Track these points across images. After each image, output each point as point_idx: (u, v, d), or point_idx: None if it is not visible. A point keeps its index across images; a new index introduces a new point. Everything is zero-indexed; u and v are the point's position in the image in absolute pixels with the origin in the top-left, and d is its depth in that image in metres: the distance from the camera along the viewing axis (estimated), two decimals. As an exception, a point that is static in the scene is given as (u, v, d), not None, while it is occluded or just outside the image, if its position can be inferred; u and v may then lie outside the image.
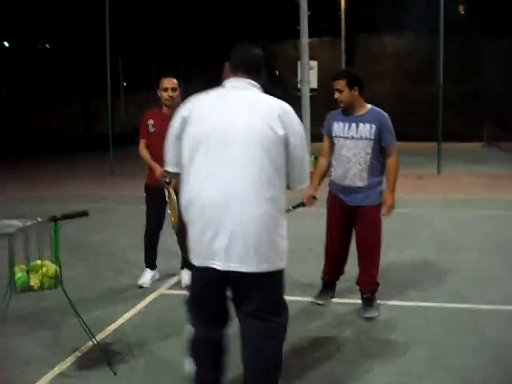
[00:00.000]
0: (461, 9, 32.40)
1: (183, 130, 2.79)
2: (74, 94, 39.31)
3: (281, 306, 2.85)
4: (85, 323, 3.61)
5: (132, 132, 31.22)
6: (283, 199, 2.77)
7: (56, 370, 3.65)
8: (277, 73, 29.90)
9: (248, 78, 2.83)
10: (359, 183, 4.40)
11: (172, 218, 4.69)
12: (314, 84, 16.05)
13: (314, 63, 16.04)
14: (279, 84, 25.66)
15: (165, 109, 5.18)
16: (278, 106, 2.75)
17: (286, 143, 2.70)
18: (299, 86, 15.94)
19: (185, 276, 5.16)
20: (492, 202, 10.56)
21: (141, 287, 5.35)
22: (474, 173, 15.53)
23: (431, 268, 5.96)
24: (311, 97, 15.67)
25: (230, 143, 2.66)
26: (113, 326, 4.41)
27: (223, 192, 2.63)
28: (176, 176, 2.96)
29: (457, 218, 8.91)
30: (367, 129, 4.34)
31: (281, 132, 2.67)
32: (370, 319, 4.48)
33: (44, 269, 3.46)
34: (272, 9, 31.47)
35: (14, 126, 35.35)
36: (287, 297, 2.89)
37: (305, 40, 15.63)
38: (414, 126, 26.62)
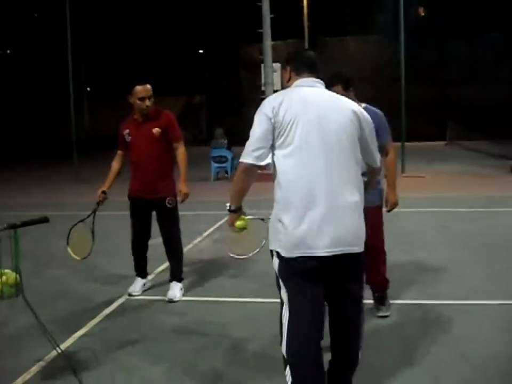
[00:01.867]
0: (421, 11, 32.94)
1: (275, 129, 2.83)
2: (37, 101, 38.73)
3: None
4: (48, 332, 3.54)
5: (96, 138, 31.01)
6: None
7: (19, 381, 3.58)
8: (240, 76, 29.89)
9: (314, 76, 3.03)
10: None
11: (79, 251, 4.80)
12: (277, 86, 16.09)
13: (277, 66, 16.10)
14: (244, 87, 25.70)
15: (138, 117, 5.05)
16: (349, 101, 3.02)
17: (361, 134, 2.94)
18: (263, 88, 15.98)
19: (176, 290, 5.09)
20: (455, 199, 10.75)
21: (130, 295, 5.25)
22: (437, 171, 15.77)
23: (401, 267, 6.02)
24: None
25: (327, 138, 2.81)
26: (78, 333, 4.35)
27: (325, 183, 2.77)
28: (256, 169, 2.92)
29: (422, 216, 9.04)
30: None
31: (357, 124, 2.91)
32: (383, 317, 4.53)
33: (4, 278, 3.38)
34: (236, 13, 31.51)
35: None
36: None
37: (268, 42, 15.69)
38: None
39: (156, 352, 4.01)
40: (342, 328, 2.97)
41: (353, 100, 4.34)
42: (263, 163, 2.86)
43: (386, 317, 4.52)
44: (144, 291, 5.35)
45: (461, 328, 4.29)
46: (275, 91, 15.73)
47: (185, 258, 5.35)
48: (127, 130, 5.10)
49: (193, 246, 7.28)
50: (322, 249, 2.75)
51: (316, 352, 2.85)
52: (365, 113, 3.01)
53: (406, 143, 16.24)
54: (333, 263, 2.79)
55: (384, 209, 4.60)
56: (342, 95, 4.27)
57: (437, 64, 29.66)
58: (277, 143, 2.84)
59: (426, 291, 5.18)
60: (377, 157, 3.13)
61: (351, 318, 2.97)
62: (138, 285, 5.34)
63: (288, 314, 2.86)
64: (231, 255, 3.68)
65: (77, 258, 4.81)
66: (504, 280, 5.49)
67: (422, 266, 6.04)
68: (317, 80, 3.03)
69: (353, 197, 2.84)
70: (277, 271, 2.91)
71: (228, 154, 14.81)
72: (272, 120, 2.82)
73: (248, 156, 2.86)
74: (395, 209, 4.70)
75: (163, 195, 5.00)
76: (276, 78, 15.96)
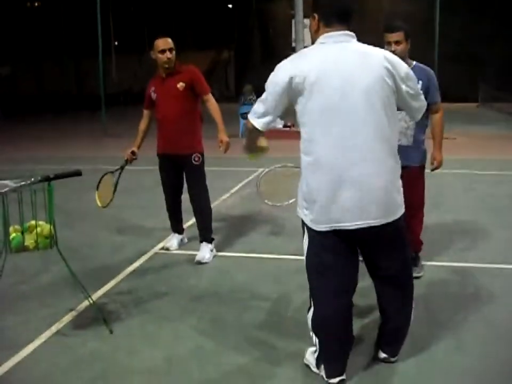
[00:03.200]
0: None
1: (291, 91, 2.69)
2: (65, 54, 38.77)
3: None
4: (80, 283, 3.62)
5: (124, 93, 31.02)
6: None
7: (53, 329, 3.67)
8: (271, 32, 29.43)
9: (344, 28, 2.73)
10: (404, 142, 4.26)
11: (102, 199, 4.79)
12: (308, 42, 15.83)
13: (308, 22, 15.79)
14: (273, 43, 25.32)
15: (162, 72, 4.96)
16: (381, 55, 2.73)
17: (397, 89, 2.74)
18: (293, 44, 15.74)
19: (206, 251, 5.07)
20: (484, 162, 10.59)
21: (167, 249, 5.30)
22: (468, 133, 15.50)
23: (429, 229, 5.98)
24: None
25: (352, 105, 2.64)
26: (108, 286, 4.43)
27: (353, 153, 2.66)
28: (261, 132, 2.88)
29: (451, 178, 8.94)
30: None
31: (392, 81, 2.69)
32: (416, 278, 4.52)
33: (39, 229, 3.45)
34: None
35: (2, 86, 34.87)
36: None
37: (299, -3, 15.37)
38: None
39: (185, 306, 4.07)
40: (388, 297, 3.02)
41: (406, 53, 4.28)
42: (264, 129, 2.82)
43: (419, 277, 4.48)
44: (181, 245, 5.41)
45: (487, 292, 4.26)
46: (305, 47, 15.48)
47: (213, 214, 5.36)
48: (153, 88, 5.03)
49: (220, 202, 7.31)
50: (350, 222, 2.68)
51: (342, 324, 2.89)
52: (401, 65, 2.77)
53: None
54: (365, 235, 2.74)
55: (427, 170, 4.53)
56: (401, 43, 4.20)
57: (471, 25, 28.85)
58: (298, 108, 2.72)
59: (454, 253, 5.15)
60: (418, 112, 2.95)
61: (397, 286, 2.98)
62: (175, 240, 5.38)
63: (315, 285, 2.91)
64: (267, 202, 3.66)
65: (99, 205, 4.84)
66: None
67: (449, 228, 6.00)
68: (348, 33, 2.72)
69: (386, 163, 2.71)
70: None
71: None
72: (288, 86, 2.66)
73: (252, 117, 2.82)
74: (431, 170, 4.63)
75: (189, 152, 4.96)
76: (307, 34, 15.67)
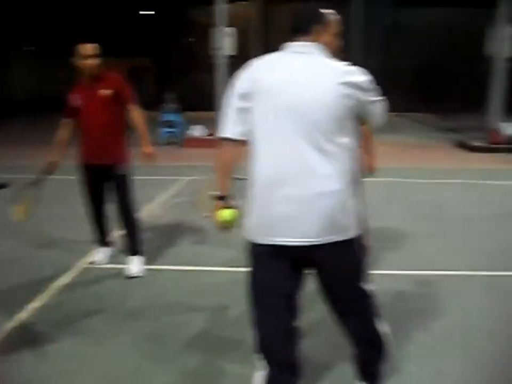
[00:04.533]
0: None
1: (247, 99, 2.56)
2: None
3: None
4: None
5: (38, 99, 29.87)
6: None
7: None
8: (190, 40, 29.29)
9: (306, 39, 2.58)
10: None
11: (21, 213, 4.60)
12: (229, 51, 15.81)
13: (229, 30, 15.79)
14: (192, 51, 25.21)
15: (85, 79, 4.75)
16: (343, 71, 2.50)
17: (359, 104, 2.53)
18: (214, 53, 15.68)
19: (135, 265, 4.91)
20: (406, 170, 10.95)
21: (94, 263, 5.12)
22: (386, 142, 15.97)
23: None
24: (229, 64, 15.44)
25: (299, 120, 2.48)
26: (36, 304, 4.21)
27: (294, 168, 2.51)
28: (235, 144, 2.65)
29: (372, 186, 9.13)
30: None
31: (347, 98, 2.47)
32: None
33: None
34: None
35: None
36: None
37: (221, 5, 15.35)
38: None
39: (119, 324, 3.92)
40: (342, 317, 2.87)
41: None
42: (238, 138, 2.61)
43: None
44: (109, 259, 5.21)
45: (421, 300, 4.38)
46: (227, 57, 15.46)
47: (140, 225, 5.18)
48: (76, 95, 4.79)
49: (146, 212, 7.12)
50: (283, 237, 2.55)
51: (283, 350, 2.73)
52: (361, 76, 2.53)
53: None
54: (304, 253, 2.59)
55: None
56: None
57: (386, 34, 29.78)
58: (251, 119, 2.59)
59: (383, 262, 5.26)
60: (382, 116, 2.73)
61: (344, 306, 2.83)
62: (102, 254, 5.19)
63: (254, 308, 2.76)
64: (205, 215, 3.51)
65: (19, 218, 4.59)
66: (461, 251, 5.64)
67: (376, 237, 6.11)
68: (313, 44, 2.56)
69: (329, 185, 2.52)
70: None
71: (178, 119, 14.57)
72: (242, 96, 2.57)
73: (222, 130, 2.65)
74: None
75: (115, 162, 4.79)
76: (228, 42, 15.68)
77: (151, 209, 7.35)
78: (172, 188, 8.53)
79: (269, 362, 2.74)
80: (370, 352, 2.95)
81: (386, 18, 28.60)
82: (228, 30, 15.77)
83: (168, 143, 14.53)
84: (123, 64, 32.39)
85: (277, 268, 2.66)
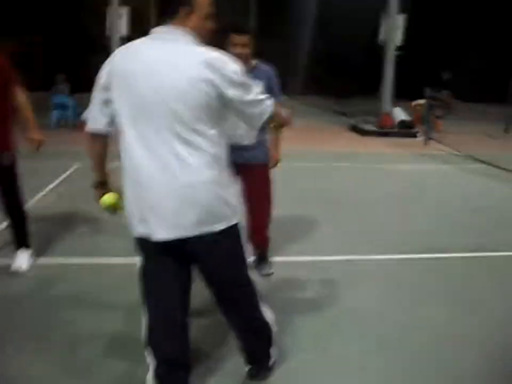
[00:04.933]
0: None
1: (108, 90, 2.48)
2: None
3: None
4: None
5: None
6: None
7: None
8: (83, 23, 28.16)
9: (173, 22, 2.43)
10: (247, 142, 4.17)
11: None
12: (124, 32, 15.37)
13: (124, 10, 15.33)
14: (87, 33, 24.27)
15: None
16: (206, 59, 2.36)
17: (224, 98, 2.42)
18: (107, 33, 15.20)
19: (23, 259, 4.65)
20: (300, 155, 11.13)
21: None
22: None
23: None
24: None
25: (159, 109, 2.37)
26: None
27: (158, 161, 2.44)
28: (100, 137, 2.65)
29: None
30: None
31: (211, 88, 2.36)
32: (267, 275, 4.51)
33: None
34: None
35: None
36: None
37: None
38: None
39: (6, 327, 3.68)
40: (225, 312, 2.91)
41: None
42: (103, 131, 2.59)
43: (269, 275, 4.57)
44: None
45: (311, 286, 4.48)
46: (122, 38, 15.03)
47: (30, 215, 4.91)
48: None
49: (36, 201, 6.80)
50: (158, 233, 2.50)
51: (170, 345, 2.73)
52: (228, 69, 2.39)
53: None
54: (182, 247, 2.56)
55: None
56: (249, 46, 3.94)
57: (281, 17, 30.01)
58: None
59: (275, 249, 5.30)
60: (258, 119, 2.59)
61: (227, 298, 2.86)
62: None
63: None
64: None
65: None
66: (350, 236, 5.82)
67: (277, 222, 6.16)
68: (179, 29, 2.42)
69: (199, 175, 2.44)
70: None
71: (70, 101, 14.02)
72: (104, 87, 2.50)
73: (88, 123, 2.63)
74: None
75: None
76: (123, 23, 15.22)
77: (40, 197, 7.02)
78: (63, 175, 8.19)
79: (157, 358, 2.70)
80: (256, 342, 3.01)
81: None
82: (123, 9, 15.34)
83: (60, 126, 13.96)
84: (12, 42, 30.77)
85: (162, 262, 2.63)
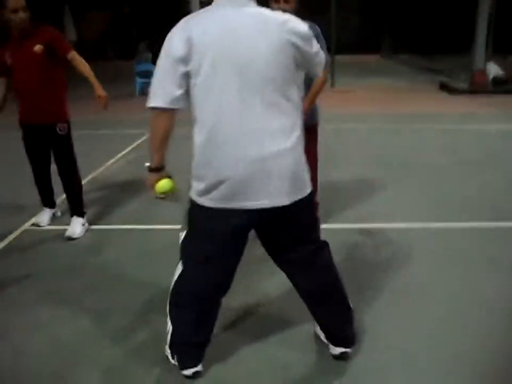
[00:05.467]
0: None
1: (184, 62, 2.31)
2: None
3: None
4: None
5: None
6: None
7: None
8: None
9: None
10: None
11: None
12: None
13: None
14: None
15: (15, 35, 4.43)
16: (284, 21, 2.38)
17: (301, 54, 2.42)
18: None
19: (76, 226, 4.73)
20: (383, 116, 10.67)
21: (37, 225, 4.93)
22: (367, 86, 15.65)
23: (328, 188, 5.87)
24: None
25: (249, 75, 2.32)
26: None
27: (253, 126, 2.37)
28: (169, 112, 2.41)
29: (345, 133, 8.92)
30: None
31: (293, 49, 2.37)
32: None
33: None
34: None
35: None
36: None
37: None
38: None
39: (46, 289, 3.75)
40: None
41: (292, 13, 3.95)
42: (176, 106, 2.36)
43: None
44: (51, 221, 5.03)
45: (398, 252, 4.23)
46: (201, 3, 14.93)
47: (94, 182, 4.93)
48: (7, 53, 4.48)
49: (105, 168, 6.92)
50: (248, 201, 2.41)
51: (209, 305, 2.69)
52: (301, 26, 2.42)
53: (337, 56, 15.96)
54: (264, 216, 2.46)
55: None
56: (290, 1, 3.84)
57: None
58: (192, 80, 2.35)
59: (346, 214, 5.08)
60: (320, 66, 2.59)
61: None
62: (46, 215, 5.00)
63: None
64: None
65: None
66: (427, 202, 5.46)
67: (345, 187, 5.93)
68: None
69: (285, 142, 2.40)
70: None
71: (153, 68, 14.20)
72: (183, 58, 2.29)
73: (155, 98, 2.37)
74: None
75: (53, 122, 4.52)
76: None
77: (110, 165, 7.13)
78: (136, 142, 8.29)
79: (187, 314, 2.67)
80: (340, 313, 2.82)
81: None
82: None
83: (144, 93, 14.21)
84: (105, 15, 31.62)
85: (226, 236, 2.51)
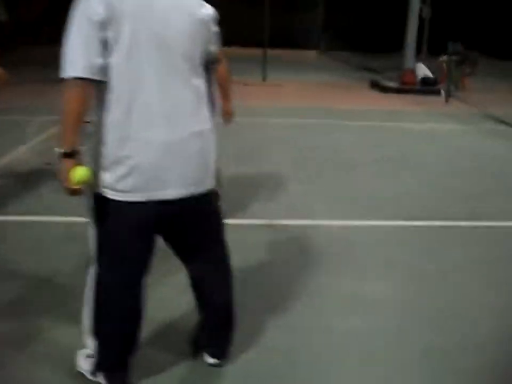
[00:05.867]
0: None
1: (104, 27, 2.04)
2: None
3: None
4: None
5: None
6: None
7: None
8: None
9: None
10: None
11: None
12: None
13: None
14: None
15: None
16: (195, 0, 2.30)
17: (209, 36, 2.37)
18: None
19: None
20: (308, 111, 10.63)
21: None
22: (299, 81, 15.64)
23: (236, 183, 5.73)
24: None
25: (166, 50, 2.17)
26: None
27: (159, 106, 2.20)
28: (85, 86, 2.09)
29: (269, 128, 8.81)
30: None
31: (205, 29, 2.31)
32: None
33: None
34: None
35: None
36: None
37: None
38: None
39: None
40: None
41: None
42: (96, 77, 2.07)
43: None
44: None
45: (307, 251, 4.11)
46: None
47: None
48: None
49: (12, 156, 6.55)
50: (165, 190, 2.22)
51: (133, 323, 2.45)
52: (209, 6, 2.34)
53: (273, 51, 15.92)
54: (174, 208, 2.27)
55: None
56: None
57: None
58: (110, 51, 2.10)
59: (261, 209, 4.96)
60: (217, 47, 2.46)
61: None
62: None
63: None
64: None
65: None
66: (321, 199, 5.40)
67: (256, 182, 5.80)
68: None
69: (200, 123, 2.29)
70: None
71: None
72: (102, 23, 2.04)
73: (72, 66, 2.05)
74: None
75: None
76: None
77: (18, 153, 6.75)
78: (51, 130, 7.90)
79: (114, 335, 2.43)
80: (229, 318, 2.63)
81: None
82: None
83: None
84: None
85: (138, 231, 2.27)
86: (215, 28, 2.40)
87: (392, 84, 14.12)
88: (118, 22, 2.06)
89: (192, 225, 2.41)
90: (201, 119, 2.30)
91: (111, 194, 2.19)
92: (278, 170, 6.29)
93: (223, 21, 2.56)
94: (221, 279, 2.60)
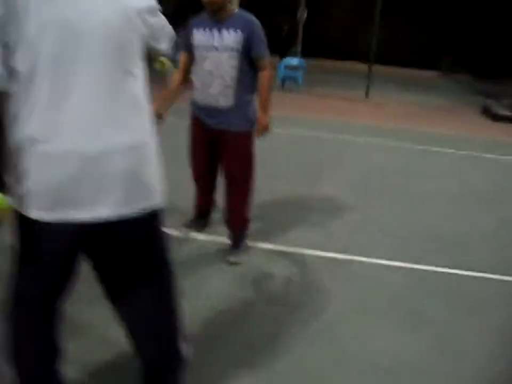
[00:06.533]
0: None
1: (7, 24, 1.63)
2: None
3: None
4: None
5: None
6: None
7: None
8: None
9: None
10: (223, 103, 3.53)
11: None
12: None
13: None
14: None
15: None
16: None
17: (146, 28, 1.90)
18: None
19: None
20: (405, 133, 9.82)
21: None
22: (402, 101, 14.77)
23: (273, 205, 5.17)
24: None
25: (85, 45, 1.71)
26: None
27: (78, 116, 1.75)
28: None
29: (346, 147, 8.13)
30: (231, 37, 3.45)
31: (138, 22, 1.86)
32: (232, 264, 3.74)
33: None
34: None
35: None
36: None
37: None
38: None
39: None
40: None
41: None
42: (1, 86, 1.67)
43: (237, 263, 3.74)
44: None
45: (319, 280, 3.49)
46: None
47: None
48: None
49: None
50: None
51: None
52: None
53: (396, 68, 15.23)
54: (97, 231, 1.82)
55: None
56: None
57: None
58: (12, 53, 1.66)
59: (291, 237, 4.35)
60: (169, 39, 2.05)
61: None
62: None
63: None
64: None
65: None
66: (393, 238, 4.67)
67: (308, 205, 5.19)
68: None
69: (131, 134, 1.81)
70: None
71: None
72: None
73: None
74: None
75: None
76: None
77: None
78: None
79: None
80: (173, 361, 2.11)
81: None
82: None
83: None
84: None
85: (54, 253, 1.84)
86: (159, 22, 1.95)
87: (506, 112, 12.84)
88: (20, 16, 1.62)
89: (123, 252, 1.89)
90: (135, 130, 1.81)
91: (27, 212, 1.75)
92: (337, 194, 5.62)
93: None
94: (161, 326, 2.05)
